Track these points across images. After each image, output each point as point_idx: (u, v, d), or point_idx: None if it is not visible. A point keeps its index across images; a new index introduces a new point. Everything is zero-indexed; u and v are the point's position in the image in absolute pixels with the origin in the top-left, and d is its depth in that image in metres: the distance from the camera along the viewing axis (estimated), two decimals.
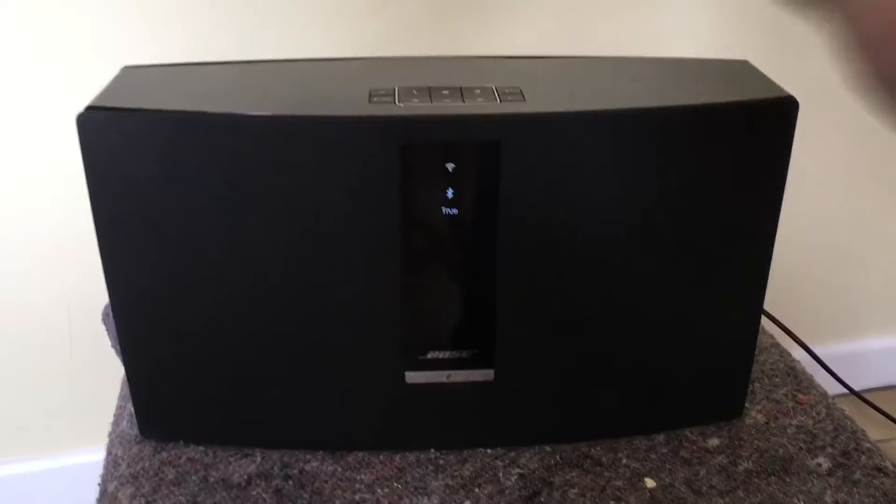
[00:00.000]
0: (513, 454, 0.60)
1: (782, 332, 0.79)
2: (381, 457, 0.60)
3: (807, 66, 1.03)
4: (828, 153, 1.13)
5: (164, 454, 0.60)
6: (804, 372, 0.70)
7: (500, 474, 0.58)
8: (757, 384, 0.68)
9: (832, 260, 1.25)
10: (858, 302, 1.31)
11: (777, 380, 0.68)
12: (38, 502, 1.13)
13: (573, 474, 0.58)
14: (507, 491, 0.57)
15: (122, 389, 0.67)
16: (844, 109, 1.09)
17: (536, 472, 0.59)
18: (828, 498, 0.56)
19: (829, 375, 0.86)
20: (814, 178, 1.13)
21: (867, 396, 1.04)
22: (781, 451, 0.60)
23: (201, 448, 0.60)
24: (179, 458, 0.59)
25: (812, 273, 1.24)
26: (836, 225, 1.22)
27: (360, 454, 0.60)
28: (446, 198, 0.52)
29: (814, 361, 0.83)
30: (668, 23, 0.99)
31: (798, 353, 0.76)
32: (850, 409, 0.68)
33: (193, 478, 0.58)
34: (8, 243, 0.95)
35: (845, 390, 0.93)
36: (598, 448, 0.61)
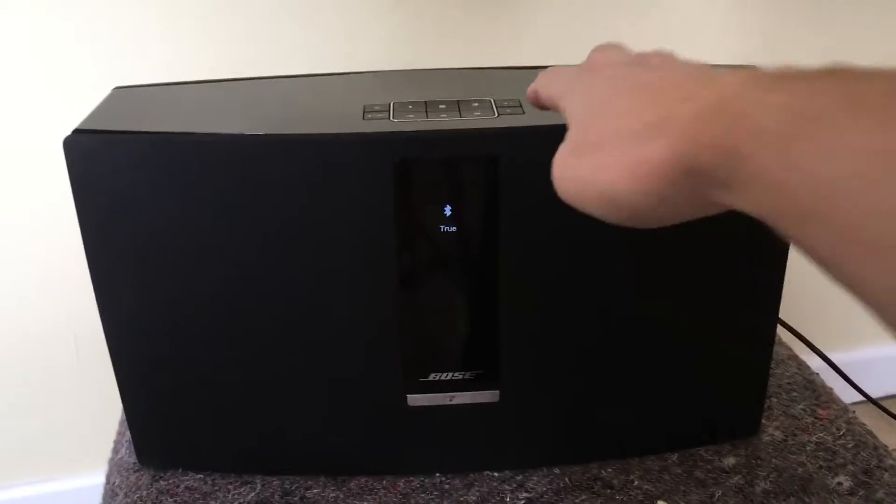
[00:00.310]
0: (520, 477, 0.58)
1: (797, 340, 0.76)
2: (385, 482, 0.58)
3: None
4: None
5: (163, 483, 0.58)
6: (823, 385, 0.68)
7: (508, 499, 0.56)
8: (774, 399, 0.65)
9: None
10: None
11: (795, 394, 0.66)
12: None
13: (583, 498, 0.56)
14: None
15: (122, 415, 0.66)
16: None
17: (545, 496, 0.57)
18: None
19: (846, 383, 0.83)
20: None
21: (885, 404, 1.01)
22: (800, 469, 0.58)
23: (200, 476, 0.59)
24: (178, 486, 0.58)
25: (827, 278, 1.21)
26: None
27: (363, 479, 0.58)
28: (444, 215, 0.51)
29: (830, 369, 0.80)
30: (674, 30, 0.97)
31: (814, 361, 0.73)
32: (867, 417, 0.65)
33: None
34: (12, 263, 0.94)
35: (862, 398, 0.90)
36: (608, 469, 0.59)
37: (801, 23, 1.01)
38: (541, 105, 0.43)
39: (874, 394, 0.89)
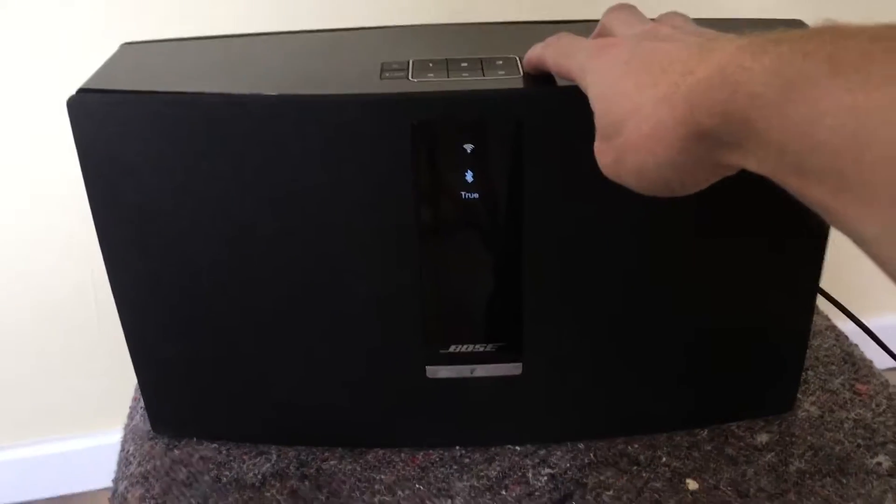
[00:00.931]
0: (543, 452, 0.56)
1: (829, 304, 0.73)
2: (403, 455, 0.56)
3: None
4: None
5: (177, 451, 0.57)
6: (863, 358, 0.65)
7: (530, 474, 0.55)
8: (811, 372, 0.63)
9: None
10: None
11: (833, 367, 0.63)
12: (77, 479, 1.14)
13: (608, 475, 0.54)
14: (536, 493, 0.53)
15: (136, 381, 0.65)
16: None
17: (568, 472, 0.55)
18: (888, 502, 0.52)
19: (881, 350, 0.80)
20: None
21: None
22: (837, 448, 0.56)
23: (214, 445, 0.57)
24: (192, 456, 0.56)
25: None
26: None
27: (381, 452, 0.57)
28: (465, 181, 0.48)
29: (865, 335, 0.77)
30: None
31: (846, 326, 0.70)
32: None
33: (206, 478, 0.55)
34: (33, 226, 0.93)
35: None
36: (635, 445, 0.57)
37: None
38: (543, 71, 0.45)
39: None
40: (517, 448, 0.57)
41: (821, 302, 0.71)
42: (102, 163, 0.48)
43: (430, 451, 0.57)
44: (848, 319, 0.73)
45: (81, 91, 0.47)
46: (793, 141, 0.27)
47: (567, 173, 0.48)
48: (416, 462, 0.56)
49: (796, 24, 0.54)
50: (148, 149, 0.47)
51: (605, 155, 0.37)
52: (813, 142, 0.26)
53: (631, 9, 0.43)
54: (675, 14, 0.42)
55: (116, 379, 0.92)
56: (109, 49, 0.54)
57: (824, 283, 0.70)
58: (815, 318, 0.69)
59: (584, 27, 0.57)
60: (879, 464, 0.54)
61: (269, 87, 0.47)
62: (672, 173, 0.34)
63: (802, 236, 0.52)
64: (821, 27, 0.28)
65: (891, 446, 0.55)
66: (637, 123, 0.34)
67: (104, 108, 0.47)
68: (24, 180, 0.91)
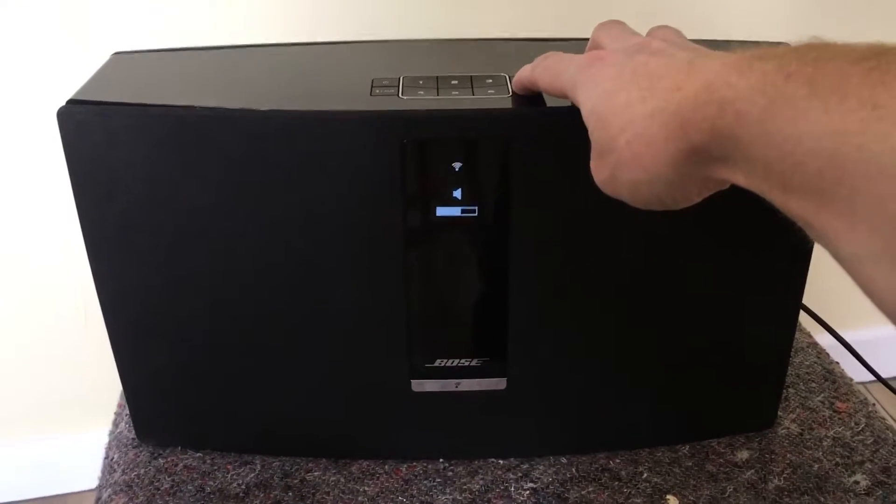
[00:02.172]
0: (526, 466, 0.57)
1: (809, 318, 0.74)
2: (387, 467, 0.57)
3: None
4: None
5: (161, 460, 0.57)
6: (843, 376, 0.65)
7: (512, 488, 0.55)
8: (791, 390, 0.63)
9: None
10: None
11: (813, 385, 0.64)
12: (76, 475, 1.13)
13: (590, 489, 0.55)
14: None
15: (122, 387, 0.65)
16: None
17: (550, 486, 0.55)
18: None
19: (857, 362, 0.80)
20: None
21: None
22: (816, 466, 0.56)
23: (199, 455, 0.57)
24: (176, 465, 0.57)
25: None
26: None
27: (365, 463, 0.57)
28: (454, 198, 0.48)
29: (842, 348, 0.78)
30: (704, 3, 0.93)
31: (824, 339, 0.71)
32: (883, 398, 0.63)
33: (189, 487, 0.55)
34: (25, 231, 0.93)
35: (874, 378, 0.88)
36: (617, 460, 0.57)
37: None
38: (534, 91, 0.46)
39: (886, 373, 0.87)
40: (500, 462, 0.57)
41: (801, 315, 0.71)
42: (91, 173, 0.48)
43: (414, 464, 0.57)
44: (826, 332, 0.74)
45: (71, 102, 0.47)
46: (776, 159, 0.28)
47: (554, 192, 0.48)
48: (400, 474, 0.56)
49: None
50: (137, 160, 0.48)
51: (601, 171, 0.38)
52: (795, 160, 0.27)
53: (620, 24, 0.44)
54: (665, 28, 0.42)
55: (104, 380, 0.92)
56: (100, 58, 0.54)
57: (804, 296, 0.71)
58: (798, 334, 0.70)
59: (574, 45, 0.57)
60: (857, 483, 0.55)
61: (260, 102, 0.47)
62: (664, 188, 0.35)
63: (785, 254, 0.53)
64: (806, 45, 0.29)
65: (868, 465, 0.56)
66: (628, 140, 0.34)
67: (93, 119, 0.47)
68: (12, 189, 0.91)
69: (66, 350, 1.03)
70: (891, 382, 0.81)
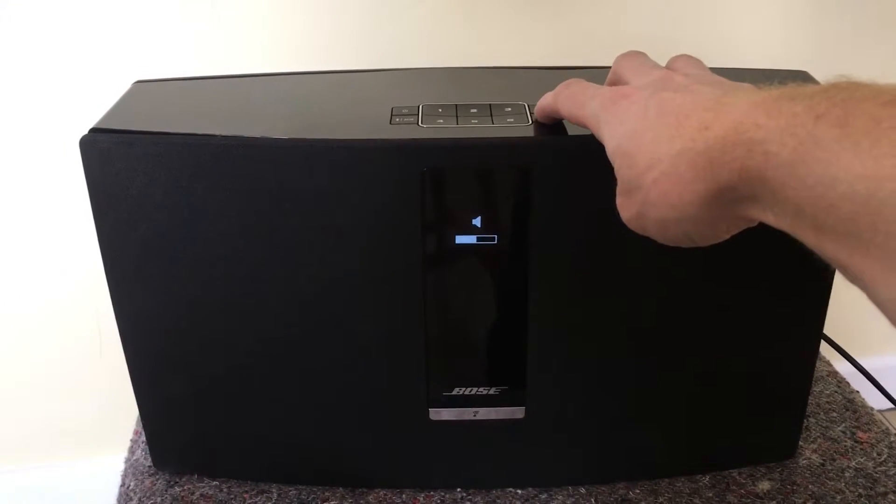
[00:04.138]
0: (544, 496, 0.56)
1: (828, 346, 0.73)
2: (404, 496, 0.56)
3: (871, 72, 0.96)
4: None
5: (178, 489, 0.57)
6: (864, 405, 0.65)
7: None
8: (812, 419, 0.63)
9: None
10: None
11: (834, 415, 0.63)
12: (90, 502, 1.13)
13: None
14: None
15: (138, 415, 0.65)
16: None
17: None
18: None
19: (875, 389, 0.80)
20: None
21: None
22: (839, 497, 0.55)
23: (216, 483, 0.57)
24: (193, 493, 0.56)
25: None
26: None
27: (382, 492, 0.57)
28: (473, 227, 0.48)
29: (861, 375, 0.77)
30: (722, 29, 0.93)
31: (843, 367, 0.70)
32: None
33: None
34: (41, 258, 0.94)
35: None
36: (636, 490, 0.56)
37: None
38: (556, 119, 0.46)
39: None
40: (518, 491, 0.57)
41: (824, 348, 0.71)
42: (112, 201, 0.48)
43: (432, 493, 0.57)
44: (844, 359, 0.73)
45: (93, 131, 0.48)
46: (808, 201, 0.28)
47: (574, 221, 0.48)
48: (418, 503, 0.56)
49: (802, 76, 0.55)
50: (157, 188, 0.48)
51: (628, 209, 0.37)
52: (827, 203, 0.27)
53: (642, 55, 0.44)
54: (686, 58, 0.42)
55: (119, 408, 0.92)
56: (122, 87, 0.55)
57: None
58: (818, 363, 0.69)
59: (591, 73, 0.57)
60: None
61: (280, 130, 0.47)
62: (692, 226, 0.35)
63: (806, 285, 0.52)
64: (835, 85, 0.28)
65: (892, 496, 0.55)
66: (656, 178, 0.34)
67: (115, 147, 0.47)
68: (30, 216, 0.92)
69: (82, 377, 1.03)
70: None
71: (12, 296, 0.97)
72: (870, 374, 0.76)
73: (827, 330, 0.69)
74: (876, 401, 0.68)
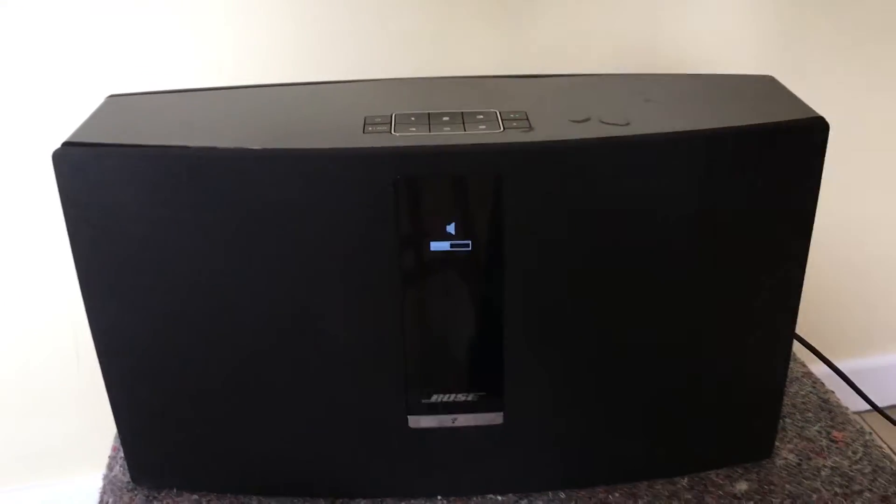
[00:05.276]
0: (525, 502, 0.56)
1: (803, 347, 0.74)
2: None
3: (837, 76, 0.98)
4: (862, 159, 1.08)
5: (156, 503, 0.56)
6: (839, 405, 0.65)
7: None
8: (788, 420, 0.63)
9: (859, 270, 1.20)
10: (889, 315, 1.25)
11: (810, 415, 0.64)
12: None
13: None
14: None
15: (116, 430, 0.64)
16: (880, 113, 1.04)
17: None
18: None
19: (853, 391, 0.81)
20: (843, 187, 1.09)
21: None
22: (815, 496, 0.56)
23: (195, 497, 0.57)
24: None
25: (839, 284, 1.19)
26: (861, 235, 1.17)
27: (363, 502, 0.57)
28: (447, 233, 0.49)
29: (838, 378, 0.78)
30: (688, 34, 0.95)
31: (819, 368, 0.71)
32: (877, 427, 0.63)
33: None
34: (16, 272, 0.93)
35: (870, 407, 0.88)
36: (615, 494, 0.57)
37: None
38: None
39: (882, 404, 0.87)
40: (499, 497, 0.57)
41: (795, 346, 0.72)
42: (86, 214, 0.48)
43: (412, 501, 0.57)
44: (820, 361, 0.74)
45: (66, 144, 0.48)
46: None
47: (546, 225, 0.49)
48: None
49: (768, 80, 0.56)
50: (131, 200, 0.48)
51: None
52: None
53: None
54: None
55: (96, 425, 0.91)
56: (95, 101, 0.55)
57: (798, 327, 0.72)
58: (793, 365, 0.70)
59: (562, 81, 0.58)
60: None
61: (253, 141, 0.48)
62: None
63: (777, 286, 0.53)
64: None
65: (868, 495, 0.56)
66: None
67: (88, 160, 0.47)
68: (5, 231, 0.91)
69: (58, 395, 1.02)
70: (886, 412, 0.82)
71: None
72: (844, 375, 0.77)
73: (803, 333, 0.70)
74: (851, 404, 0.68)
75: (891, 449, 0.98)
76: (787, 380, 0.67)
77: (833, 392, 0.67)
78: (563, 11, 0.89)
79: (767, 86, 0.55)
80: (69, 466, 1.08)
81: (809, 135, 0.49)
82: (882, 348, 1.27)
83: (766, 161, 0.49)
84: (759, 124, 0.49)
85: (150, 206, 0.48)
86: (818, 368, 0.71)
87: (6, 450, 1.05)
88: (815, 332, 0.76)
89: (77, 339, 0.97)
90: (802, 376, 0.68)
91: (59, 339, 0.98)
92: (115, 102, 0.55)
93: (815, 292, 1.13)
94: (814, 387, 0.67)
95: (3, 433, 1.04)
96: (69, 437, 1.05)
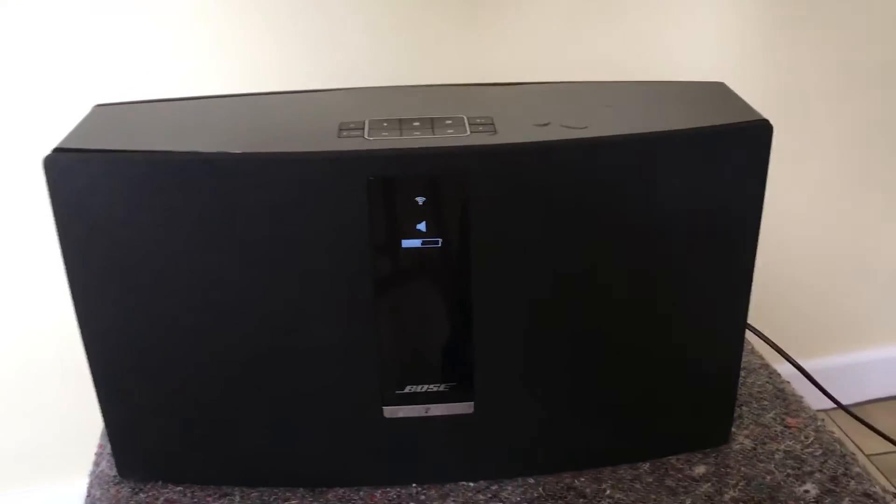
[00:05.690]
0: (495, 487, 0.59)
1: (769, 348, 0.77)
2: (362, 493, 0.59)
3: (798, 79, 1.02)
4: (824, 161, 1.12)
5: (142, 495, 0.59)
6: (793, 394, 0.69)
7: None
8: (745, 408, 0.67)
9: (827, 270, 1.24)
10: (856, 312, 1.30)
11: (765, 403, 0.67)
12: None
13: None
14: None
15: (102, 429, 0.67)
16: (838, 117, 1.09)
17: None
18: None
19: (817, 390, 0.84)
20: (812, 186, 1.13)
21: (869, 408, 1.01)
22: (769, 478, 0.59)
23: (180, 489, 0.59)
24: (157, 499, 0.58)
25: (807, 285, 1.23)
26: (829, 234, 1.21)
27: (341, 491, 0.59)
28: (418, 231, 0.52)
29: (803, 377, 0.81)
30: (647, 44, 0.99)
31: (785, 369, 0.74)
32: (843, 424, 0.66)
33: None
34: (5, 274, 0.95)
35: (834, 405, 0.92)
36: (581, 479, 0.60)
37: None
38: None
39: (848, 401, 0.90)
40: (471, 484, 0.60)
41: (759, 345, 0.75)
42: (75, 217, 0.51)
43: (388, 489, 0.59)
44: (785, 361, 0.78)
45: (57, 150, 0.50)
46: None
47: (511, 222, 0.52)
48: (375, 500, 0.59)
49: (718, 87, 0.60)
50: (119, 203, 0.50)
51: None
52: None
53: None
54: None
55: (80, 429, 0.93)
56: (79, 110, 0.58)
57: (764, 328, 0.75)
58: (750, 357, 0.73)
59: (540, 88, 0.62)
60: (807, 491, 0.58)
61: (234, 146, 0.50)
62: None
63: (728, 280, 0.56)
64: None
65: (818, 475, 0.59)
66: None
67: (79, 166, 0.50)
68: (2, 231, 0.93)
69: (42, 399, 1.04)
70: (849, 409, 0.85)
71: None
72: (803, 368, 0.81)
73: (769, 333, 0.74)
74: (819, 403, 0.71)
75: (845, 433, 1.02)
76: (745, 372, 0.71)
77: (788, 382, 0.71)
78: (532, 23, 0.93)
79: (718, 91, 0.59)
80: (54, 471, 1.10)
81: (753, 135, 0.52)
82: (845, 347, 1.31)
83: (714, 160, 0.52)
84: (707, 126, 0.52)
85: (135, 209, 0.51)
86: (781, 369, 0.74)
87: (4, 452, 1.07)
88: (777, 331, 0.80)
89: (63, 343, 0.99)
90: (759, 367, 0.72)
91: (48, 343, 0.99)
92: (102, 111, 0.58)
93: (778, 294, 1.18)
94: (770, 377, 0.71)
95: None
96: (61, 439, 1.07)
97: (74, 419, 1.03)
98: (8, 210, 0.91)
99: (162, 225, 0.51)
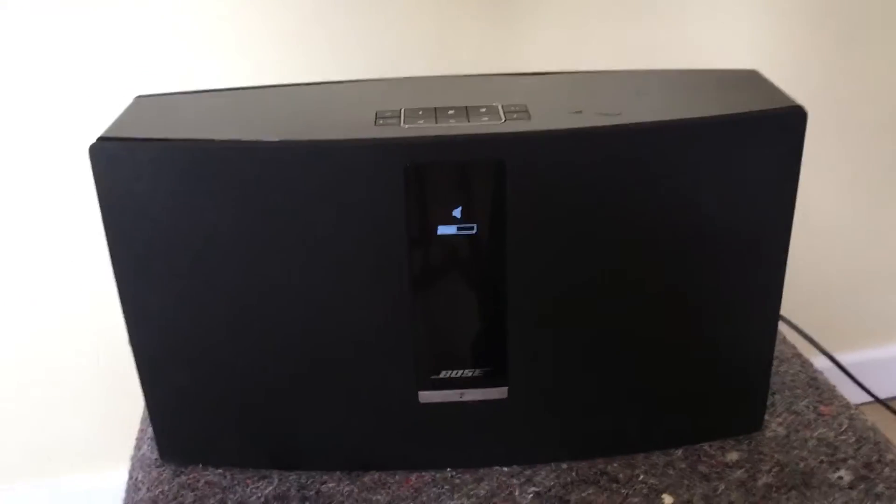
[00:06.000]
0: (529, 472, 0.60)
1: (804, 340, 0.78)
2: (397, 477, 0.60)
3: (833, 71, 1.02)
4: (859, 150, 1.11)
5: (184, 477, 0.60)
6: (826, 382, 0.69)
7: (517, 493, 0.58)
8: (777, 396, 0.67)
9: (862, 266, 1.23)
10: (890, 307, 1.29)
11: (798, 391, 0.67)
12: None
13: (589, 492, 0.58)
14: None
15: (143, 412, 0.68)
16: (872, 109, 1.08)
17: (553, 489, 0.58)
18: None
19: (853, 383, 0.84)
20: (843, 180, 1.12)
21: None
22: (802, 464, 0.60)
23: (220, 471, 0.61)
24: (198, 481, 0.60)
25: (841, 280, 1.22)
26: (864, 229, 1.21)
27: (376, 474, 0.60)
28: (454, 217, 0.52)
29: (838, 369, 0.81)
30: (678, 33, 0.99)
31: (821, 362, 0.75)
32: (879, 418, 0.66)
33: (211, 501, 0.58)
34: (36, 268, 0.97)
35: (871, 398, 0.91)
36: (614, 464, 0.60)
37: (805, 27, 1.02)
38: None
39: (883, 395, 0.90)
40: (504, 469, 0.60)
41: (791, 335, 0.75)
42: (120, 204, 0.52)
43: (423, 473, 0.60)
44: (819, 354, 0.78)
45: (102, 139, 0.52)
46: None
47: (545, 208, 0.52)
48: (410, 483, 0.59)
49: (752, 75, 0.60)
50: (162, 190, 0.52)
51: None
52: None
53: None
54: None
55: (116, 422, 0.95)
56: (123, 102, 0.59)
57: (799, 321, 0.75)
58: (783, 347, 0.73)
59: (572, 77, 0.62)
60: (841, 478, 0.58)
61: (273, 134, 0.52)
62: None
63: (761, 269, 0.57)
64: None
65: (851, 462, 0.59)
66: None
67: (123, 153, 0.51)
68: (42, 225, 0.95)
69: (79, 394, 1.06)
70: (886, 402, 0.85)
71: (9, 307, 1.00)
72: (838, 361, 0.81)
73: (805, 327, 0.74)
74: (856, 396, 0.71)
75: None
76: (778, 361, 0.71)
77: (821, 372, 0.71)
78: (563, 13, 0.94)
79: (751, 79, 0.59)
80: (90, 464, 1.12)
81: (788, 122, 0.52)
82: (879, 342, 1.30)
83: (749, 146, 0.52)
84: (738, 113, 0.52)
85: (178, 195, 0.52)
86: (816, 361, 0.74)
87: (26, 448, 1.09)
88: (812, 324, 0.80)
89: (99, 343, 1.01)
90: (792, 357, 0.72)
91: (81, 339, 1.02)
92: (143, 102, 0.59)
93: (819, 290, 1.17)
94: (802, 367, 0.71)
95: (22, 433, 1.08)
96: (88, 435, 1.09)
97: (110, 410, 1.05)
98: (45, 202, 0.93)
99: (203, 211, 0.52)
